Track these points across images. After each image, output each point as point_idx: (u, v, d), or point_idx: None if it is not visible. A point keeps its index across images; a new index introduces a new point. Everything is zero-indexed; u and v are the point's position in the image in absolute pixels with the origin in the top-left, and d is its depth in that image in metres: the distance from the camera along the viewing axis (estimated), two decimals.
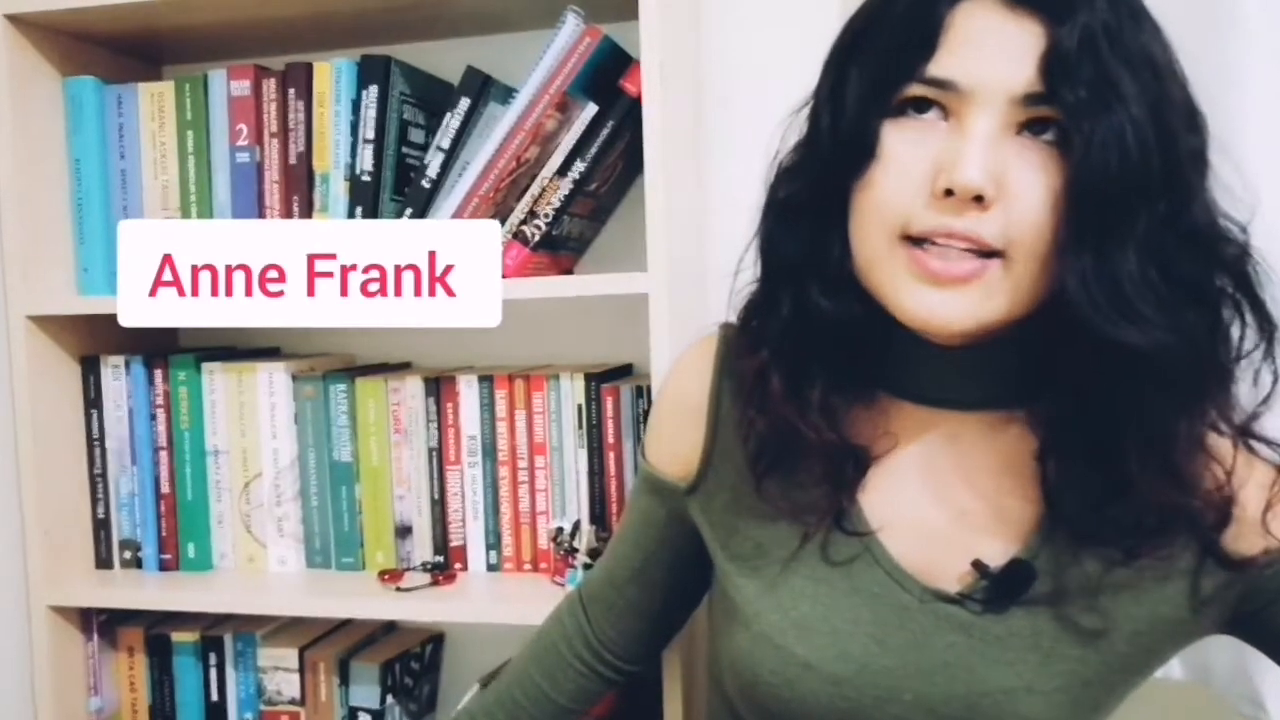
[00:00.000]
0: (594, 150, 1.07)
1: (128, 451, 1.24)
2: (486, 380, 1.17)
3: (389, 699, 1.24)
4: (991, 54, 0.61)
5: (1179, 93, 0.62)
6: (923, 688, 0.69)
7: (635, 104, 1.04)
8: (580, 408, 1.15)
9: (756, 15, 1.21)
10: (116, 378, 1.23)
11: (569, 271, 1.22)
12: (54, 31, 1.20)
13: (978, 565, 0.69)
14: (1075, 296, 0.59)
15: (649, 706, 1.04)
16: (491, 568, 1.18)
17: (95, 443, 1.24)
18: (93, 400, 1.24)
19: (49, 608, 1.19)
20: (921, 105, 0.63)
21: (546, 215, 1.08)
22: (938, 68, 0.61)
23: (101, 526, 1.25)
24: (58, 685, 1.20)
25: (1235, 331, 0.63)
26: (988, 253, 0.61)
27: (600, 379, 1.15)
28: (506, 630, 1.05)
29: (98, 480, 1.24)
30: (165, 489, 1.23)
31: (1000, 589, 0.69)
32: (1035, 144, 0.61)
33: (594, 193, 1.12)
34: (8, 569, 1.19)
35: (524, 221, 1.08)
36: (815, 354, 0.69)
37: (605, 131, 1.07)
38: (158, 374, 1.23)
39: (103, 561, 1.25)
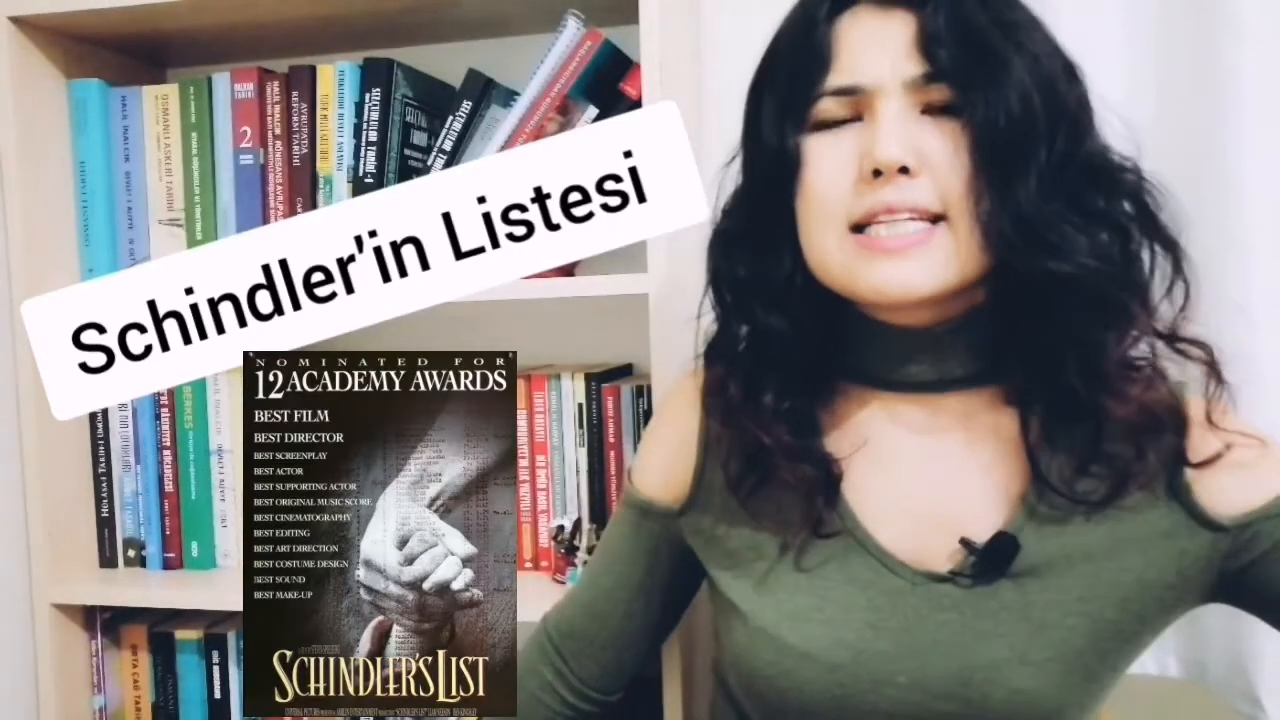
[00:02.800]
0: None
1: (132, 450, 1.25)
2: None
3: None
4: (878, 52, 0.68)
5: (1050, 49, 0.69)
6: (916, 668, 0.71)
7: (636, 107, 1.05)
8: (581, 407, 1.16)
9: (756, 17, 1.21)
10: None
11: (570, 272, 1.23)
12: (58, 34, 1.21)
13: (964, 542, 0.71)
14: (991, 237, 0.65)
15: (649, 706, 1.05)
16: None
17: (100, 442, 1.25)
18: None
19: (53, 606, 1.20)
20: (836, 122, 0.69)
21: None
22: (837, 78, 0.69)
23: (105, 525, 1.26)
24: (61, 683, 1.21)
25: (1145, 254, 0.69)
26: (932, 218, 0.67)
27: (601, 379, 1.16)
28: None
29: (102, 479, 1.25)
30: (169, 488, 1.24)
31: (987, 563, 0.71)
32: (940, 120, 0.67)
33: None
34: (12, 567, 1.20)
35: None
36: (769, 366, 0.74)
37: None
38: None
39: (107, 560, 1.26)
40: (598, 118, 1.07)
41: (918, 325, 0.72)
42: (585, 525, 1.15)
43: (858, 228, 0.68)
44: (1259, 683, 1.08)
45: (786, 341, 0.73)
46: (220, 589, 1.19)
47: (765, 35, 0.75)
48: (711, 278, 0.77)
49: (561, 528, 1.14)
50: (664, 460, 0.84)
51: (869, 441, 0.75)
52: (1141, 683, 1.17)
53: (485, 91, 1.13)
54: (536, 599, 1.03)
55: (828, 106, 0.69)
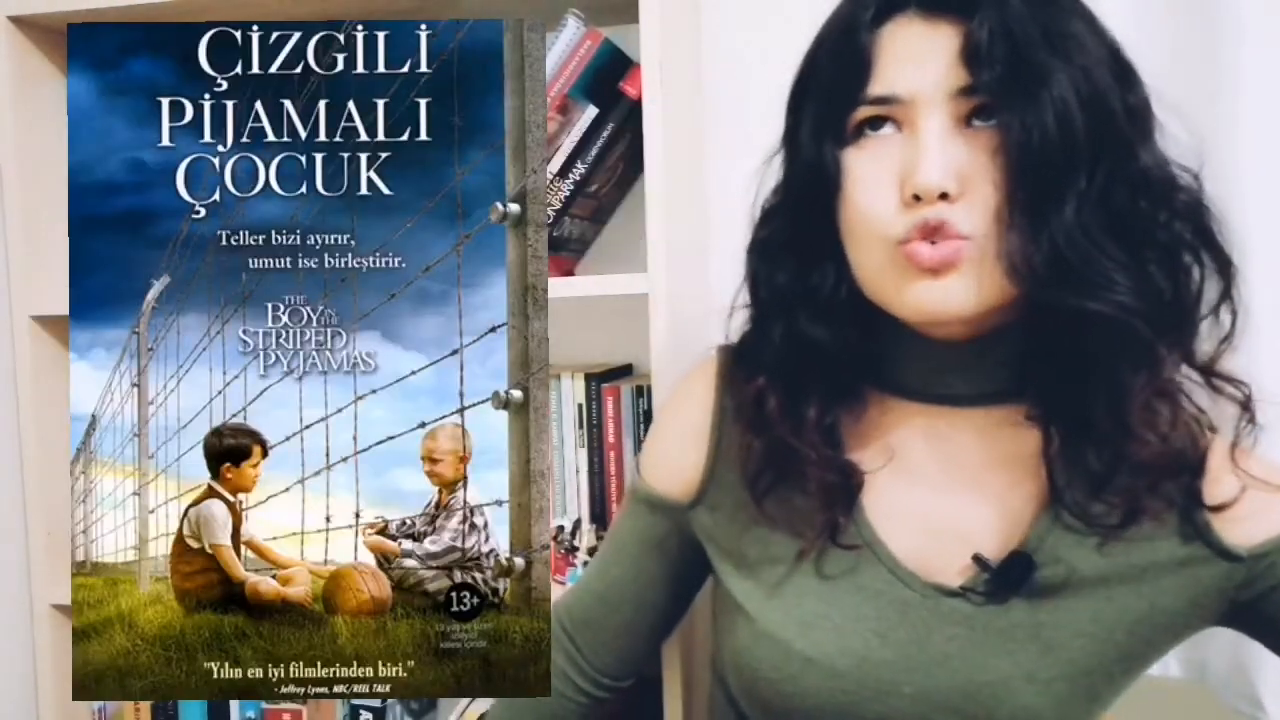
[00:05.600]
0: (594, 152, 1.08)
1: None
2: None
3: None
4: (920, 61, 0.65)
5: (1105, 55, 0.65)
6: (922, 680, 0.70)
7: (635, 106, 1.05)
8: (581, 407, 1.15)
9: (756, 17, 1.21)
10: None
11: (570, 273, 1.23)
12: (58, 33, 1.21)
13: (978, 559, 0.71)
14: (1018, 272, 0.62)
15: (649, 706, 1.05)
16: None
17: None
18: None
19: (52, 606, 1.20)
20: (875, 124, 0.67)
21: (547, 217, 1.08)
22: (877, 86, 0.66)
23: None
24: (61, 684, 1.21)
25: (1195, 274, 0.66)
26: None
27: (600, 379, 1.16)
28: None
29: None
30: None
31: (1000, 581, 0.70)
32: (983, 132, 0.64)
33: (594, 194, 1.13)
34: (11, 568, 1.20)
35: None
36: (809, 376, 0.72)
37: (605, 134, 1.08)
38: None
39: None
40: (597, 117, 1.07)
41: (951, 339, 0.70)
42: (585, 525, 1.15)
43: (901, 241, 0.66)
44: (1259, 683, 1.08)
45: (829, 353, 0.71)
46: None
47: (766, 35, 0.75)
48: (752, 285, 0.76)
49: (561, 528, 1.14)
50: (674, 453, 0.83)
51: (893, 455, 0.74)
52: (1141, 683, 1.17)
53: None
54: None
55: (866, 114, 0.67)
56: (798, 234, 0.72)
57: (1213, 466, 0.69)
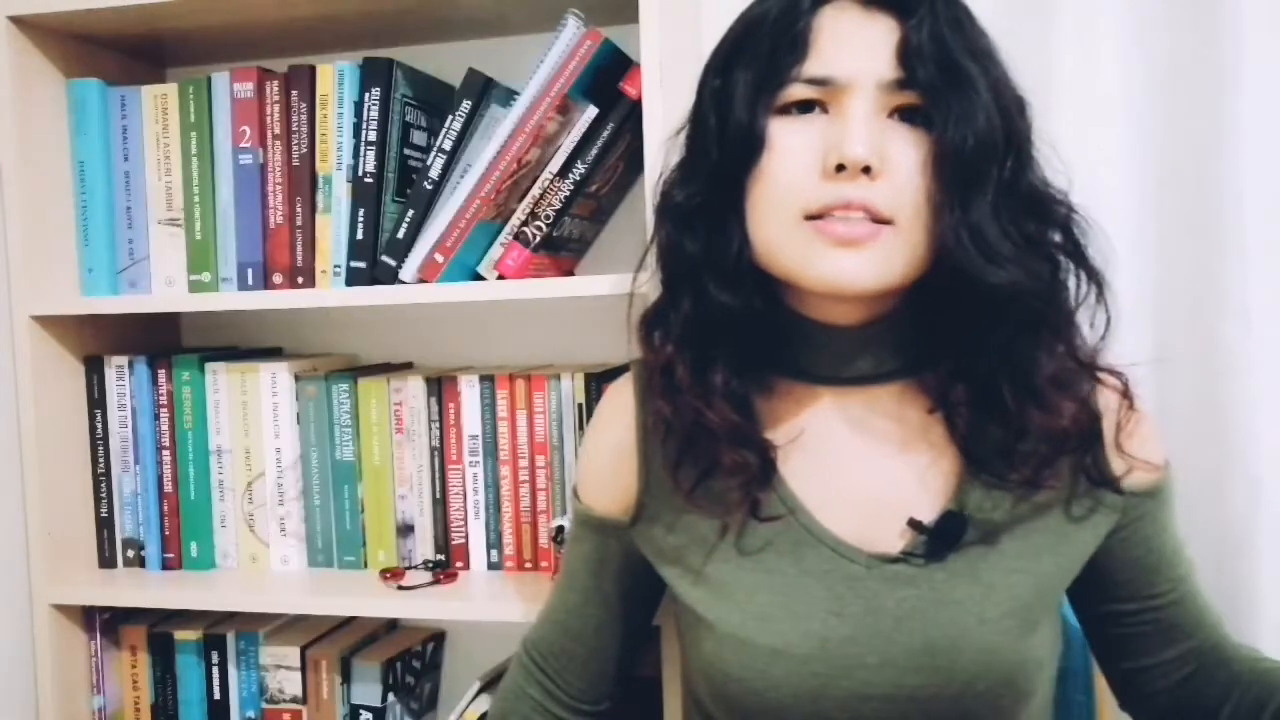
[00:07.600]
0: (594, 152, 1.08)
1: (131, 451, 1.25)
2: (488, 380, 1.18)
3: (390, 697, 1.24)
4: (857, 49, 0.69)
5: (1008, 81, 0.72)
6: (884, 647, 0.73)
7: (635, 106, 1.05)
8: (581, 407, 1.16)
9: None
10: (120, 378, 1.24)
11: (570, 272, 1.23)
12: (58, 33, 1.21)
13: (913, 523, 0.74)
14: (949, 245, 0.68)
15: (649, 706, 1.05)
16: (492, 566, 1.19)
17: (99, 442, 1.25)
18: (96, 400, 1.25)
19: (52, 606, 1.20)
20: (804, 107, 0.71)
21: (547, 216, 1.08)
22: (814, 67, 0.70)
23: (105, 525, 1.25)
24: (61, 683, 1.21)
25: (1072, 282, 0.73)
26: (879, 221, 0.69)
27: (600, 379, 1.16)
28: (507, 628, 1.05)
29: (101, 479, 1.25)
30: (168, 488, 1.24)
31: (938, 541, 0.74)
32: (904, 126, 0.69)
33: (594, 194, 1.13)
34: (11, 568, 1.20)
35: (525, 223, 1.09)
36: (717, 344, 0.75)
37: (605, 133, 1.08)
38: (161, 374, 1.24)
39: (106, 560, 1.26)
40: (597, 117, 1.07)
41: (846, 324, 0.74)
42: None
43: (810, 216, 0.69)
44: None
45: (736, 320, 0.74)
46: (219, 589, 1.19)
47: None
48: (663, 252, 0.78)
49: (561, 528, 1.14)
50: (606, 474, 0.85)
51: (804, 433, 0.77)
52: None
53: (485, 91, 1.13)
54: (536, 599, 1.03)
55: (797, 92, 0.70)
56: (710, 200, 0.74)
57: (1105, 445, 0.75)
